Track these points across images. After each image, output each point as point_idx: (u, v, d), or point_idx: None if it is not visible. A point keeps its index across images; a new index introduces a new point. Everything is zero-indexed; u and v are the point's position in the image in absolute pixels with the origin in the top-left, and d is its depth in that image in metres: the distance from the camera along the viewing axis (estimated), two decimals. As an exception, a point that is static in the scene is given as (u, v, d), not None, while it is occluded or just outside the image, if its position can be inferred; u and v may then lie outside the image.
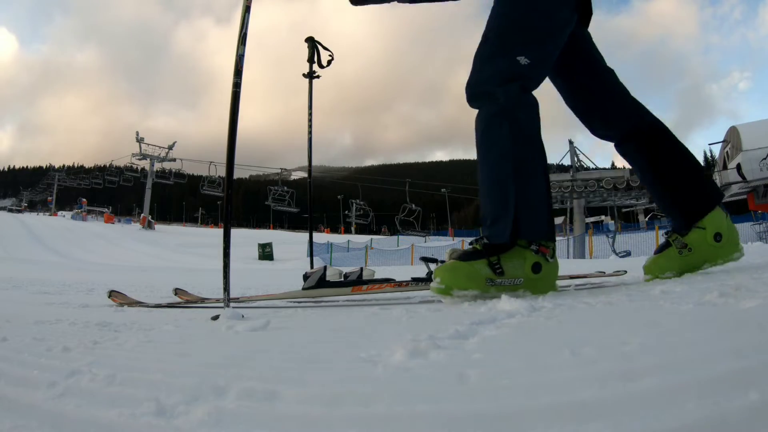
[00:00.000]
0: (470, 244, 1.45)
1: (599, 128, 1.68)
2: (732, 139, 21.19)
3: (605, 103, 1.65)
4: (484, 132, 1.44)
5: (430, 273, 1.60)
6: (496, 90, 1.40)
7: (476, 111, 1.47)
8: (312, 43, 2.10)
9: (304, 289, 1.63)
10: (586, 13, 1.66)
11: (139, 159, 36.96)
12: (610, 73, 1.66)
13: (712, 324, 0.68)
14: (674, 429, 0.39)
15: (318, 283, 1.60)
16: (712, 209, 1.56)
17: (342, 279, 1.79)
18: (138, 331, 1.13)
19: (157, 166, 37.31)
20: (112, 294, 2.20)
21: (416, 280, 1.60)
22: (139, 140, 36.20)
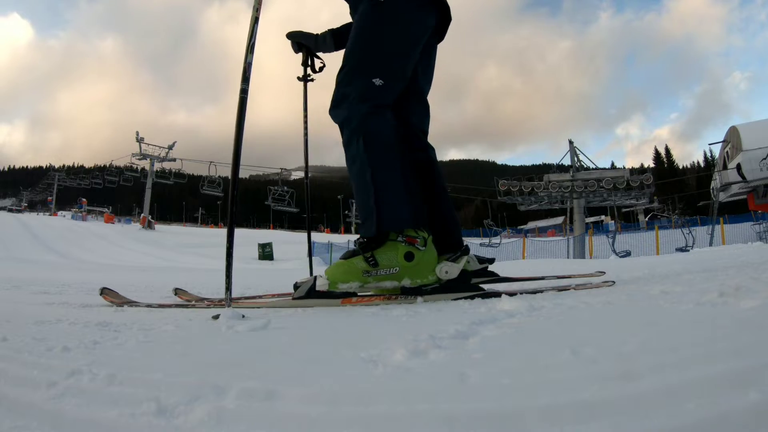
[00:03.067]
0: (354, 244, 1.66)
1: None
2: (732, 139, 21.18)
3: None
4: (347, 149, 1.63)
5: (420, 286, 1.59)
6: (349, 112, 1.59)
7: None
8: (306, 49, 2.13)
9: (293, 299, 1.61)
10: (444, 21, 1.79)
11: (139, 159, 36.88)
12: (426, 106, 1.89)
13: (712, 324, 0.68)
14: (674, 429, 0.39)
15: (307, 293, 1.58)
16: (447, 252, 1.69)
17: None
18: (138, 331, 1.13)
19: (157, 166, 37.26)
20: (104, 291, 2.15)
21: (406, 292, 1.57)
22: (139, 140, 36.16)
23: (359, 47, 1.64)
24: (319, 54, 2.16)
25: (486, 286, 1.72)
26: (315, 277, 1.59)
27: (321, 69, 2.19)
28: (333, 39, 2.03)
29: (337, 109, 1.64)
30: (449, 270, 1.56)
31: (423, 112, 1.87)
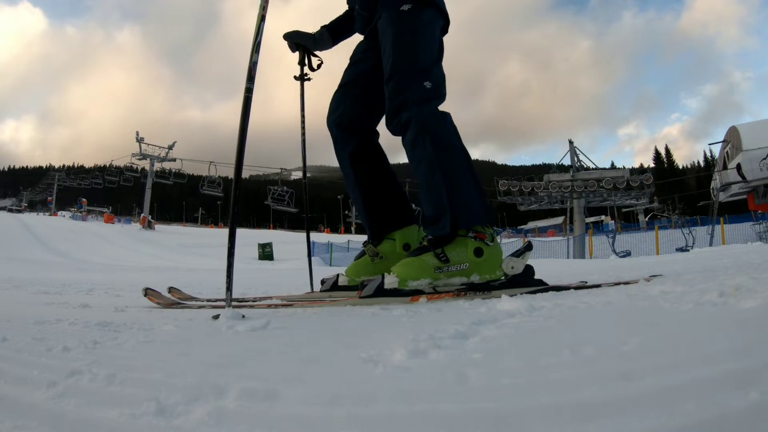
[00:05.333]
0: (420, 242, 1.68)
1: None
2: (732, 139, 21.17)
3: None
4: (412, 150, 1.66)
5: (489, 282, 1.58)
6: (413, 115, 1.63)
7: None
8: (303, 48, 2.14)
9: (361, 297, 1.59)
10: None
11: (139, 159, 36.87)
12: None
13: (712, 324, 0.68)
14: (674, 429, 0.39)
15: (376, 292, 1.57)
16: (404, 226, 1.89)
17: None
18: (138, 331, 1.13)
19: (157, 166, 37.25)
20: (148, 293, 2.04)
21: (474, 288, 1.55)
22: (139, 140, 36.16)
23: (402, 56, 1.69)
24: (316, 52, 2.17)
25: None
26: (383, 276, 1.58)
27: (319, 66, 2.20)
28: (330, 35, 2.07)
29: (398, 116, 1.67)
30: (515, 265, 1.57)
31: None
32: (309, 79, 2.25)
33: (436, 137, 1.61)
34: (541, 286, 1.55)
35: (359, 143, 1.87)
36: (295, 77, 2.24)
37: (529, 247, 1.63)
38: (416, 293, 1.55)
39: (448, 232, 1.57)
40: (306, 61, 2.18)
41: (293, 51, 2.15)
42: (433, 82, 1.67)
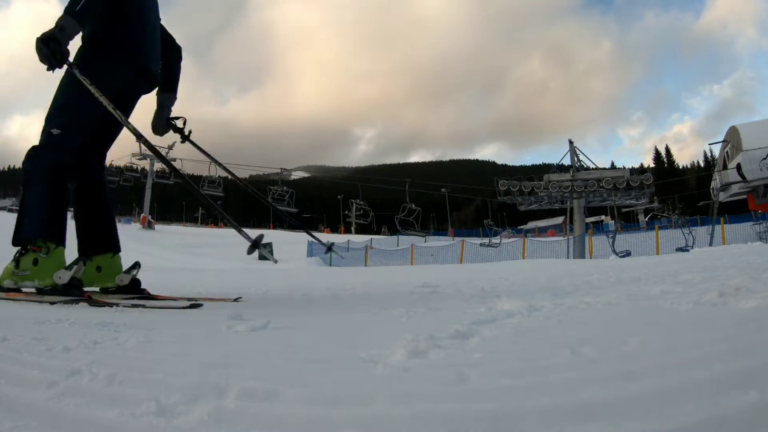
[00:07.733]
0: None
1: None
2: (732, 139, 21.16)
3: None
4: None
5: (44, 288, 1.99)
6: (26, 161, 2.05)
7: None
8: (169, 126, 2.53)
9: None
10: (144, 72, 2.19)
11: (139, 159, 36.85)
12: None
13: (712, 324, 0.68)
14: (674, 429, 0.39)
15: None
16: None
17: None
18: (138, 331, 1.13)
19: (157, 166, 37.24)
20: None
21: (41, 291, 1.98)
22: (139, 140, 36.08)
23: (52, 102, 2.07)
24: (177, 123, 2.50)
25: (124, 301, 1.96)
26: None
27: (184, 124, 2.52)
28: (167, 123, 2.45)
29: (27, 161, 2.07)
30: (62, 276, 1.93)
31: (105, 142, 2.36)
32: (190, 132, 2.56)
33: (26, 175, 2.03)
34: (78, 298, 1.84)
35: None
36: (180, 135, 2.56)
37: (84, 260, 2.06)
38: (12, 290, 1.99)
39: (13, 244, 2.02)
40: (178, 129, 2.50)
41: (176, 132, 2.49)
42: (62, 129, 1.99)
